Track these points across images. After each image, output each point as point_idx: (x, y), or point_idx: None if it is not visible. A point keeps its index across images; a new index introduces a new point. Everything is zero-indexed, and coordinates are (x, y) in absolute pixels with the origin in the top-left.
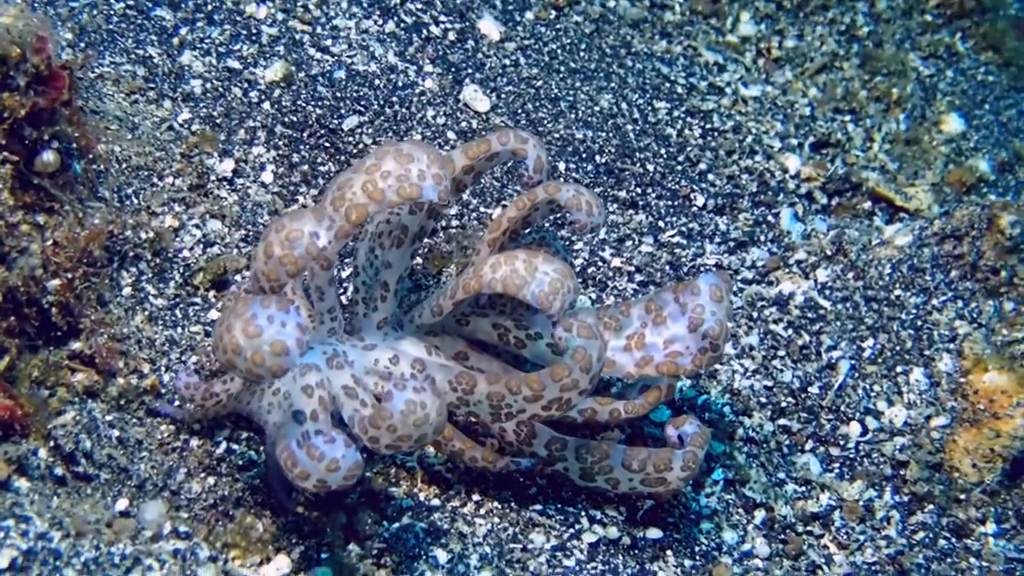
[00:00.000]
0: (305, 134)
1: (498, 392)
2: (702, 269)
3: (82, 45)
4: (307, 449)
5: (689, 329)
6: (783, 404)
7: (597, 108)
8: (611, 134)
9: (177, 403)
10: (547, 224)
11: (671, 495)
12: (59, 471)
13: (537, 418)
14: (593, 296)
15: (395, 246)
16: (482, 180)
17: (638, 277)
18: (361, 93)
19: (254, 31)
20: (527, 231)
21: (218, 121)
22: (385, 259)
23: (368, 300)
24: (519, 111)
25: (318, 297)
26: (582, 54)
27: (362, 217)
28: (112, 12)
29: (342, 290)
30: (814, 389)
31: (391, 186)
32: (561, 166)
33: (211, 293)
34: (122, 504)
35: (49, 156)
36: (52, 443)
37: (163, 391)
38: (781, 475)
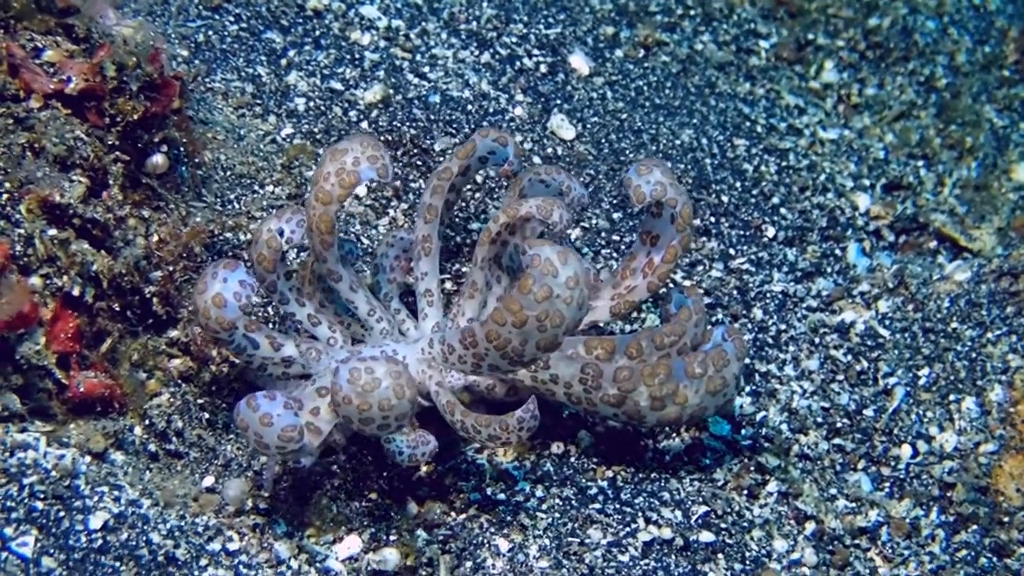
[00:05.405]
0: (399, 152)
1: (493, 331)
2: (767, 295)
3: (196, 61)
4: (247, 400)
5: (654, 214)
6: (839, 425)
7: (678, 142)
8: (689, 166)
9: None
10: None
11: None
12: (152, 447)
13: (537, 355)
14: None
15: (425, 256)
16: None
17: (706, 300)
18: (454, 117)
19: (357, 56)
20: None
21: (318, 137)
22: (421, 271)
23: (413, 314)
24: (603, 140)
25: (352, 309)
26: (667, 91)
27: (328, 223)
28: (226, 33)
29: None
30: (869, 412)
31: (333, 184)
32: None
33: None
34: (208, 481)
35: (158, 159)
36: (147, 421)
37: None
38: (833, 491)
